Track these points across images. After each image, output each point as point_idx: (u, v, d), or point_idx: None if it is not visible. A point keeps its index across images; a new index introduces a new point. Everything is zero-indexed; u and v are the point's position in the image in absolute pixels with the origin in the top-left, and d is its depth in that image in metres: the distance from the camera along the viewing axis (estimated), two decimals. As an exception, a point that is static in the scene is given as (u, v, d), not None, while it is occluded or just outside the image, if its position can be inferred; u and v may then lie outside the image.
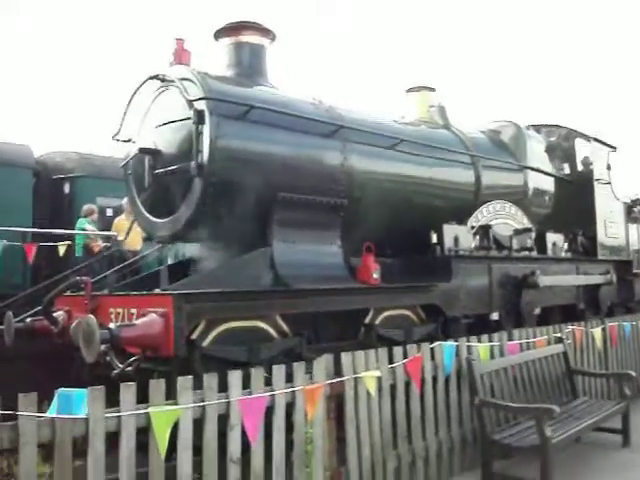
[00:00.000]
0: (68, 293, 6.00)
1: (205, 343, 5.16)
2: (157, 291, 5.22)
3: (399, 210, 7.57)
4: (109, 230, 10.59)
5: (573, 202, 11.07)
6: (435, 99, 9.44)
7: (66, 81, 33.32)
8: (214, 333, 5.25)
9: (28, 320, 6.14)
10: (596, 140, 11.56)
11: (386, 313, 6.75)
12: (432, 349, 5.56)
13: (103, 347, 4.79)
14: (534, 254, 9.19)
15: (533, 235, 9.38)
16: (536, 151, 10.28)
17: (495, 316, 8.10)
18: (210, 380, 4.07)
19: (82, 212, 10.86)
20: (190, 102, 5.71)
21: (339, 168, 6.81)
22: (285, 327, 5.79)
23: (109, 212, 11.64)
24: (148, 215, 6.42)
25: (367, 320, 6.53)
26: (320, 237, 6.63)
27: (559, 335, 7.03)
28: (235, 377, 4.16)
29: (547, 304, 9.25)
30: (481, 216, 8.63)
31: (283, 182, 6.25)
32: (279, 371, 4.39)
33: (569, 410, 6.30)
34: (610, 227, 11.54)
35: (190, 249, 6.75)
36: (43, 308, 5.87)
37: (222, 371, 5.12)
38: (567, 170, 11.60)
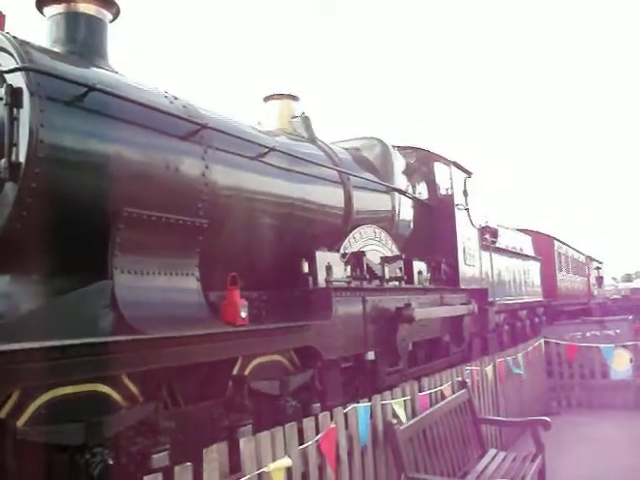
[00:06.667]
0: None
1: (20, 422, 3.53)
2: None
3: (267, 234, 6.30)
4: None
5: (432, 228, 10.51)
6: (298, 109, 8.30)
7: None
8: (34, 406, 3.62)
9: None
10: (455, 165, 11.07)
11: (256, 361, 5.45)
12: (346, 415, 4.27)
13: None
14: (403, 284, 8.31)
15: (402, 263, 8.54)
16: (400, 172, 9.47)
17: (371, 356, 7.04)
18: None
19: None
20: (1, 74, 4.09)
21: (200, 179, 5.39)
22: (134, 389, 4.27)
23: None
24: None
25: (235, 371, 5.18)
26: (175, 266, 5.15)
27: (461, 379, 6.05)
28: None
29: (418, 339, 8.40)
30: (353, 242, 7.59)
31: (130, 194, 4.73)
32: None
33: (480, 472, 5.31)
34: (468, 255, 11.09)
35: (-3, 283, 5.00)
36: None
37: (47, 461, 3.66)
38: (426, 194, 11.00)
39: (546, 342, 10.99)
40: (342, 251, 7.27)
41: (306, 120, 8.10)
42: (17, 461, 3.40)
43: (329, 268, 6.70)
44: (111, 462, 3.79)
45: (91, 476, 3.68)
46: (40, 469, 3.60)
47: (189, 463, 2.98)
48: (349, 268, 7.23)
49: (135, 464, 4.11)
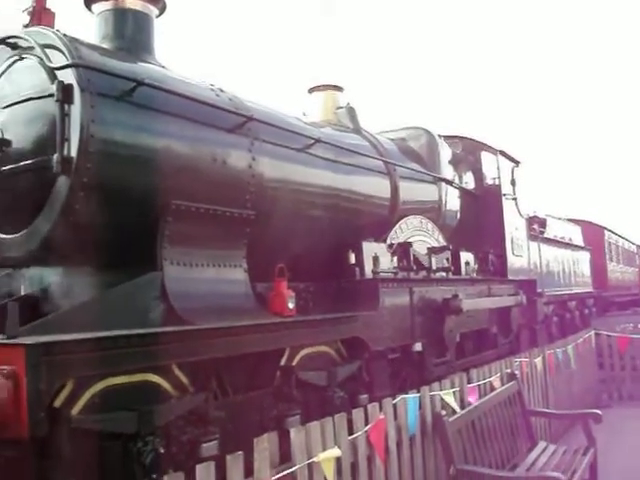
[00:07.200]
0: None
1: (75, 411, 3.61)
2: (1, 338, 3.57)
3: (314, 226, 6.32)
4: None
5: (479, 218, 10.38)
6: (343, 99, 8.29)
7: None
8: (87, 395, 3.70)
9: None
10: (502, 154, 10.92)
11: (304, 351, 5.47)
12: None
13: None
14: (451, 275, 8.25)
15: (449, 254, 8.47)
16: (446, 162, 9.39)
17: (418, 347, 7.01)
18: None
19: None
20: (52, 71, 4.17)
21: (247, 171, 5.43)
22: (184, 379, 4.34)
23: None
24: (-8, 229, 4.75)
25: (283, 362, 5.20)
26: (223, 258, 5.19)
27: (510, 371, 6.00)
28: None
29: (465, 330, 8.33)
30: (399, 232, 7.56)
31: (178, 187, 4.79)
32: (207, 473, 2.87)
33: (529, 464, 5.26)
34: (516, 245, 10.94)
35: (51, 275, 5.12)
36: None
37: (100, 449, 3.75)
38: (472, 183, 10.87)
39: (597, 334, 10.79)
40: (389, 242, 7.25)
41: (351, 111, 8.09)
42: (72, 448, 3.48)
43: (376, 259, 6.69)
44: (162, 451, 3.85)
45: (143, 464, 3.74)
46: (94, 457, 3.69)
47: (240, 452, 3.01)
48: (396, 259, 7.21)
49: (185, 453, 4.18)
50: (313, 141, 6.27)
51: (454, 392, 4.97)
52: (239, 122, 5.40)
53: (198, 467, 2.87)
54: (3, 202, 4.62)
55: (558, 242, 14.70)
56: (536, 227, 12.84)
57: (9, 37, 4.66)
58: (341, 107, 8.17)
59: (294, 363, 5.30)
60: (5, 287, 5.48)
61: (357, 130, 7.92)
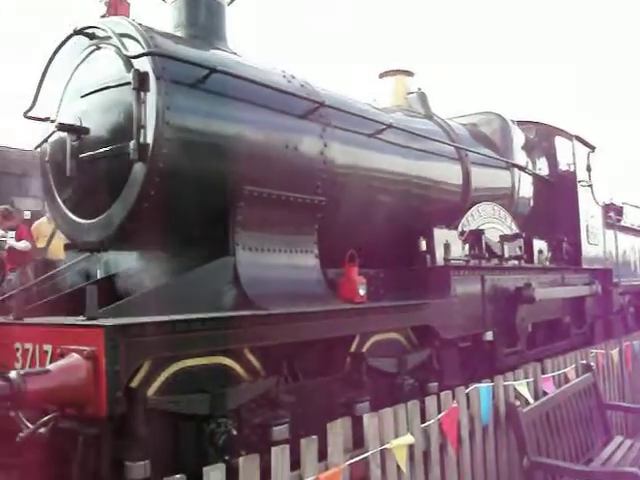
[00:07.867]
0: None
1: (150, 392, 3.70)
2: (81, 320, 3.69)
3: (384, 212, 6.28)
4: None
5: (553, 205, 10.12)
6: (414, 85, 8.20)
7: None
8: (162, 377, 3.79)
9: None
10: (578, 139, 10.58)
11: (374, 338, 5.44)
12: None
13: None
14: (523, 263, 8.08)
15: (522, 242, 8.29)
16: (519, 148, 9.18)
17: (489, 336, 6.90)
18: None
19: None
20: (129, 60, 4.25)
21: (318, 158, 5.43)
22: (256, 363, 4.38)
23: (27, 215, 9.97)
24: (71, 214, 4.88)
25: (353, 348, 5.20)
26: (294, 243, 5.21)
27: (586, 362, 5.84)
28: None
29: (537, 319, 8.15)
30: (471, 219, 7.44)
31: (250, 173, 4.83)
32: (282, 456, 2.90)
33: (605, 459, 5.12)
34: (591, 233, 10.62)
35: (126, 259, 5.25)
36: None
37: (174, 429, 3.83)
38: (546, 170, 10.59)
39: (677, 326, 10.38)
40: (460, 229, 7.15)
41: (422, 96, 8.00)
42: (147, 428, 3.56)
43: (447, 246, 6.61)
44: (235, 432, 3.91)
45: (216, 445, 3.81)
46: (168, 437, 3.77)
47: (315, 436, 3.02)
48: (467, 246, 7.11)
49: (257, 436, 4.23)
50: (384, 126, 6.21)
51: (528, 383, 4.88)
52: (311, 108, 5.40)
53: (273, 449, 2.90)
54: (82, 188, 4.75)
55: (636, 230, 14.20)
56: (612, 215, 12.41)
57: (87, 27, 4.77)
58: (412, 92, 8.09)
59: (364, 349, 5.28)
60: (83, 270, 5.67)
61: (428, 115, 7.83)
